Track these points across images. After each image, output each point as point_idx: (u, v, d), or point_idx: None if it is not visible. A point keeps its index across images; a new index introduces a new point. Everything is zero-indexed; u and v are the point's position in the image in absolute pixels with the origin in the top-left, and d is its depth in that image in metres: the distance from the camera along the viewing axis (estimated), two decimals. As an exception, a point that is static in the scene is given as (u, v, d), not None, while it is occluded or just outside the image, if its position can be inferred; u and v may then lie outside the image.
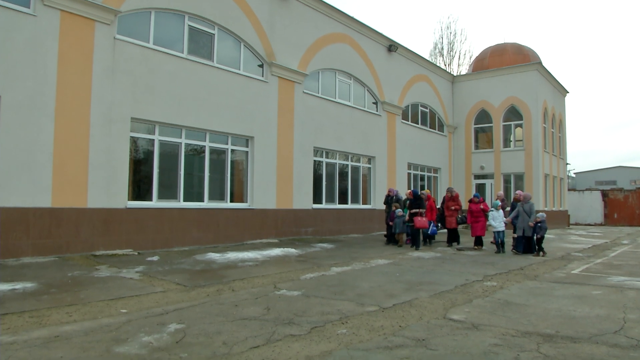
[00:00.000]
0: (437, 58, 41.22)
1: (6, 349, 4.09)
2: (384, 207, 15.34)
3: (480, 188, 25.22)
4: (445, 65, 40.59)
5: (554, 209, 26.36)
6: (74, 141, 10.11)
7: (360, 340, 4.50)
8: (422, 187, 22.87)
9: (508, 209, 13.82)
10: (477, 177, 25.83)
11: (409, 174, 22.23)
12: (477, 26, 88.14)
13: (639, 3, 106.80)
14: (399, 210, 13.67)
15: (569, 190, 33.71)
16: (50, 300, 5.97)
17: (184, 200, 12.39)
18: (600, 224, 33.31)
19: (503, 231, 12.83)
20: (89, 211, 10.31)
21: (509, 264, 10.33)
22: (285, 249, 11.95)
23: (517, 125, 25.08)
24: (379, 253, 11.97)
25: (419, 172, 23.32)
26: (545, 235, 12.12)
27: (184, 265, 9.21)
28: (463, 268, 9.58)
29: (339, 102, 17.74)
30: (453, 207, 14.20)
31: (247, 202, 14.17)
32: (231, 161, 13.81)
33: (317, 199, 16.65)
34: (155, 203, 11.70)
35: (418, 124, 23.15)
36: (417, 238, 12.99)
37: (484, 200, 13.80)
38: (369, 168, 19.56)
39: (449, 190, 14.76)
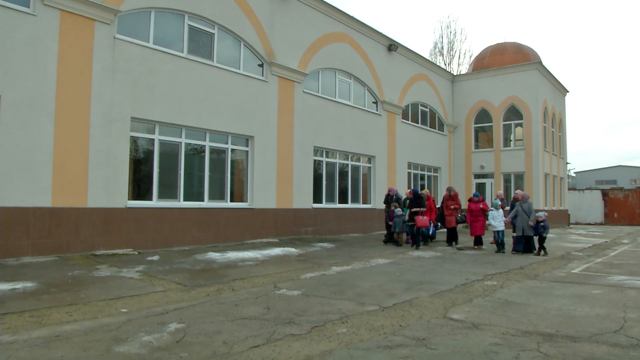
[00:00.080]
0: (437, 57, 41.23)
1: (6, 349, 4.09)
2: (383, 206, 15.34)
3: (481, 187, 25.23)
4: (445, 64, 40.60)
5: (554, 208, 26.36)
6: (74, 141, 10.11)
7: (360, 340, 4.50)
8: (422, 187, 22.88)
9: (507, 208, 13.81)
10: (477, 176, 25.83)
11: (409, 173, 22.24)
12: (477, 25, 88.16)
13: (639, 3, 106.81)
14: (398, 209, 13.66)
15: (569, 189, 33.72)
16: (51, 300, 5.97)
17: (184, 200, 12.39)
18: (601, 224, 33.31)
19: (503, 231, 12.83)
20: (89, 211, 10.32)
21: (509, 263, 10.33)
22: (286, 248, 11.95)
23: (517, 125, 25.08)
24: (379, 252, 11.97)
25: (419, 172, 23.32)
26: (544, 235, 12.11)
27: (184, 264, 9.22)
28: (463, 267, 9.58)
29: (339, 102, 17.74)
30: (452, 207, 14.20)
31: (247, 201, 14.17)
32: (231, 161, 13.81)
33: (317, 198, 16.66)
34: (155, 203, 11.71)
35: (418, 123, 23.14)
36: (417, 237, 12.99)
37: (483, 200, 13.80)
38: (369, 167, 19.56)
39: (448, 189, 14.77)
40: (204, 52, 13.08)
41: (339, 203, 17.79)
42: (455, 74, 30.19)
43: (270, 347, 4.24)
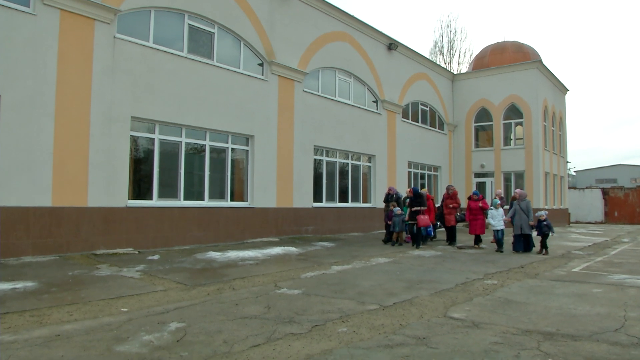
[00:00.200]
0: (437, 56, 41.22)
1: (7, 348, 4.09)
2: (383, 205, 15.33)
3: (481, 186, 25.23)
4: (446, 63, 40.59)
5: (554, 207, 26.35)
6: (74, 140, 10.11)
7: (360, 339, 4.50)
8: (423, 186, 22.89)
9: (507, 207, 13.80)
10: (477, 175, 25.83)
11: (409, 172, 22.23)
12: (477, 24, 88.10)
13: (639, 2, 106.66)
14: (397, 208, 13.64)
15: (569, 188, 33.72)
16: (51, 299, 5.97)
17: (185, 199, 12.39)
18: (601, 222, 33.31)
19: (502, 230, 12.83)
20: (89, 210, 10.32)
21: (510, 262, 10.33)
22: (286, 247, 11.95)
23: (517, 124, 25.07)
24: (380, 251, 11.97)
25: (419, 171, 23.31)
26: (546, 233, 12.10)
27: (185, 264, 9.22)
28: (463, 266, 9.58)
29: (339, 101, 17.73)
30: (451, 205, 14.18)
31: (247, 200, 14.17)
32: (231, 160, 13.81)
33: (317, 197, 16.66)
34: (155, 202, 11.71)
35: (418, 122, 23.14)
36: (417, 236, 12.99)
37: (483, 198, 13.79)
38: (369, 167, 19.56)
39: (447, 188, 14.76)
40: (204, 52, 13.08)
41: (339, 202, 17.79)
42: (455, 73, 30.19)
43: (270, 346, 4.24)
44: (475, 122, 26.00)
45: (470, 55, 40.08)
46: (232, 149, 13.83)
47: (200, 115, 12.68)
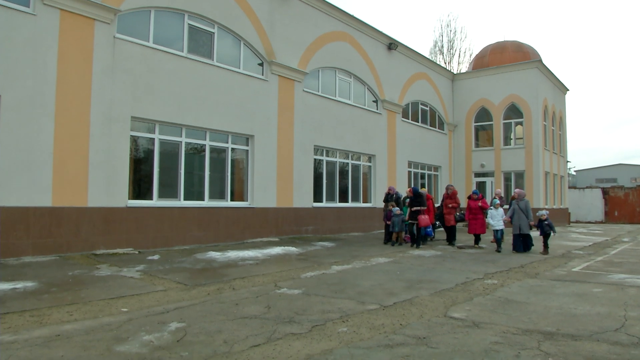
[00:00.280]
0: (437, 56, 41.22)
1: (7, 348, 4.09)
2: (383, 205, 15.33)
3: (481, 186, 25.23)
4: (446, 63, 40.58)
5: (554, 206, 26.35)
6: (74, 140, 10.11)
7: (361, 339, 4.50)
8: (423, 186, 22.89)
9: (506, 206, 13.79)
10: (477, 175, 25.83)
11: (409, 172, 22.23)
12: (477, 24, 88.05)
13: (639, 2, 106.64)
14: (396, 208, 13.64)
15: (569, 188, 33.71)
16: (51, 299, 5.97)
17: (185, 199, 12.39)
18: (601, 222, 33.31)
19: (502, 230, 12.83)
20: (89, 210, 10.32)
21: (510, 261, 10.33)
22: (286, 247, 11.95)
23: (517, 123, 25.07)
24: (380, 251, 11.97)
25: (420, 170, 23.31)
26: (548, 233, 12.09)
27: (185, 264, 9.22)
28: (464, 266, 9.58)
29: (339, 101, 17.73)
30: (451, 205, 14.17)
31: (247, 200, 14.17)
32: (231, 160, 13.81)
33: (317, 197, 16.66)
34: (155, 202, 11.71)
35: (418, 122, 23.14)
36: (417, 236, 12.99)
37: (483, 197, 13.78)
38: (370, 166, 19.56)
39: (447, 187, 14.76)
40: (204, 51, 13.08)
41: (340, 202, 17.79)
42: (455, 72, 30.20)
43: (270, 346, 4.23)
44: (475, 122, 26.00)
45: (470, 55, 40.12)
46: (232, 149, 13.83)
47: (200, 115, 12.68)
